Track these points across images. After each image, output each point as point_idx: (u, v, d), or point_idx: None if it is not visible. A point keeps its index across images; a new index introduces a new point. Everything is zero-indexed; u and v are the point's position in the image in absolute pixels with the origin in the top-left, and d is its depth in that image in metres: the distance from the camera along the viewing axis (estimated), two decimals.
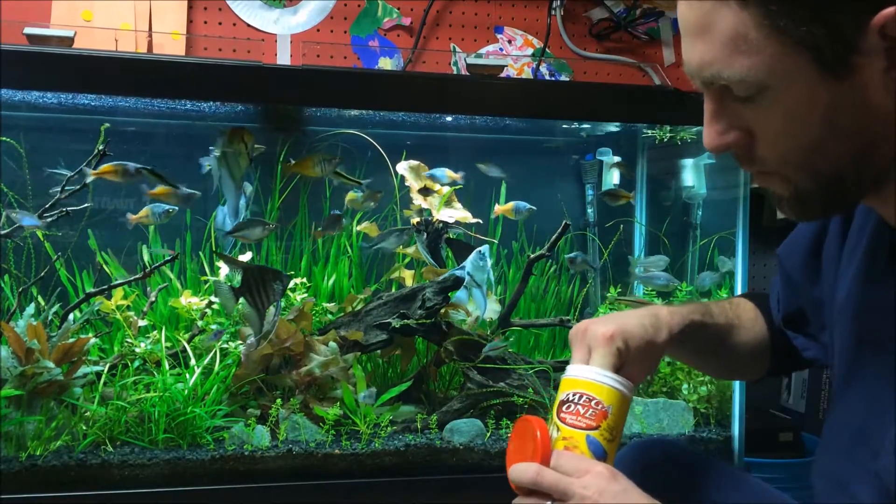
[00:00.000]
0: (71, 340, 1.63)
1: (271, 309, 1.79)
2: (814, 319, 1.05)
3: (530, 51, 2.41)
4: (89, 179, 1.66)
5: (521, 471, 0.87)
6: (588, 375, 0.91)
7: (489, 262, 1.78)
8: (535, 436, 0.87)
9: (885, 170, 0.79)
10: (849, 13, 0.72)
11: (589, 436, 0.88)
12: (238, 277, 1.64)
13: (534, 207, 1.97)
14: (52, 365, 1.56)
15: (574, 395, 0.90)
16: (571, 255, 2.04)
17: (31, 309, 1.68)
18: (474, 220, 1.92)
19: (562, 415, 0.90)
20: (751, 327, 1.12)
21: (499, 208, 1.99)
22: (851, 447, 0.88)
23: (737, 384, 1.90)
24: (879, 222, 0.87)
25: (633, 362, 0.95)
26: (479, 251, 1.77)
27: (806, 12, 0.72)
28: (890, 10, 0.70)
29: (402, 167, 1.88)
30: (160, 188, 1.69)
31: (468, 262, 1.76)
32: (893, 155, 0.78)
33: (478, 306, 1.81)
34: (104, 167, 1.66)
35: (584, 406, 0.89)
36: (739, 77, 0.76)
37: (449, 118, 1.92)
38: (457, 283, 1.83)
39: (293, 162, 1.76)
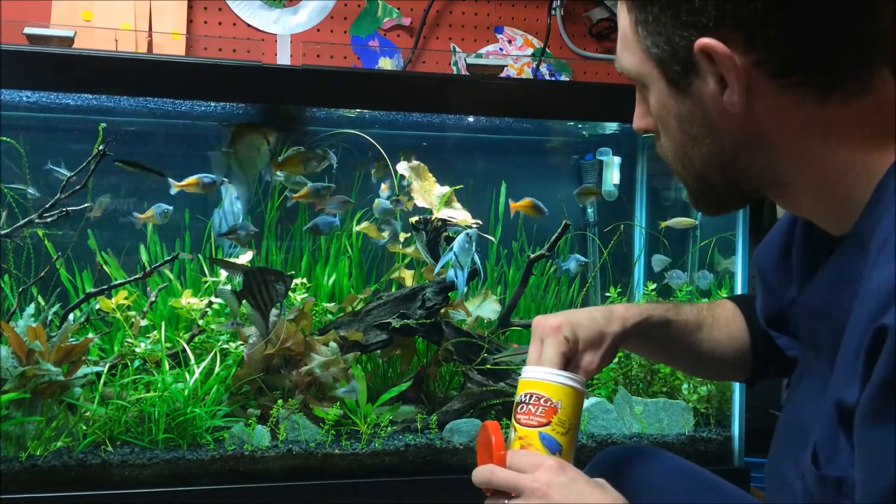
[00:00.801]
0: (72, 341, 1.63)
1: (274, 310, 1.80)
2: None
3: (530, 51, 2.41)
4: (173, 191, 1.71)
5: (478, 473, 0.93)
6: (535, 375, 0.96)
7: (474, 246, 1.78)
8: (490, 439, 0.93)
9: (760, 176, 0.83)
10: (684, 35, 0.76)
11: (541, 432, 0.93)
12: (238, 279, 1.64)
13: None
14: (53, 368, 1.56)
15: (525, 395, 0.95)
16: (564, 267, 2.04)
17: (31, 309, 1.68)
18: (474, 221, 1.92)
19: (517, 416, 0.95)
20: (725, 326, 1.13)
21: (514, 204, 1.97)
22: (792, 446, 0.89)
23: (737, 384, 1.90)
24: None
25: (586, 351, 1.00)
26: (467, 234, 1.77)
27: (653, 27, 0.79)
28: (706, 39, 0.74)
29: (403, 167, 1.88)
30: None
31: (455, 243, 1.77)
32: (766, 163, 0.81)
33: (458, 288, 1.80)
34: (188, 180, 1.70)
35: (535, 405, 0.94)
36: (626, 71, 0.85)
37: (450, 118, 1.91)
38: (479, 273, 1.83)
39: (279, 159, 1.75)
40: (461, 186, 1.92)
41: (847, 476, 0.74)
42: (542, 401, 0.94)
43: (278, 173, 1.77)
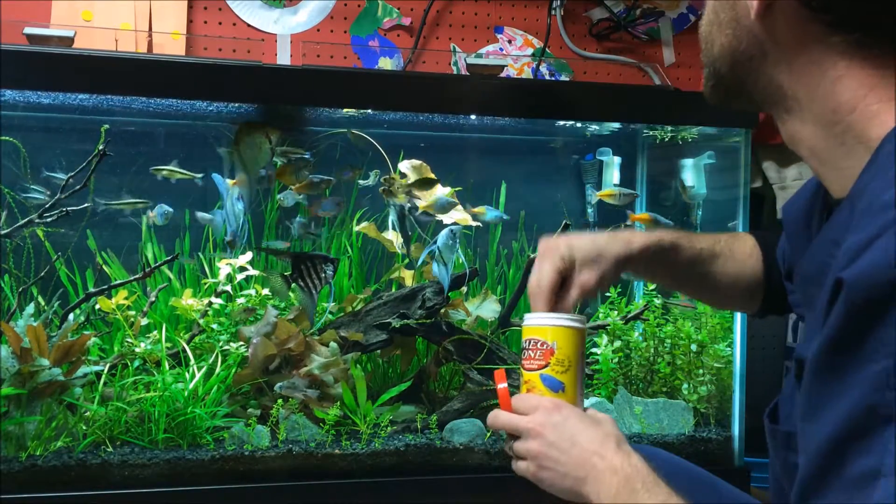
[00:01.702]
0: (71, 339, 1.63)
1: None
2: None
3: (530, 51, 2.41)
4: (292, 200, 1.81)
5: (488, 419, 1.00)
6: (531, 322, 1.02)
7: (458, 243, 1.78)
8: (497, 387, 1.01)
9: (767, 90, 0.84)
10: None
11: (542, 374, 0.99)
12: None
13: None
14: (46, 363, 1.56)
15: (526, 342, 1.01)
16: None
17: (30, 308, 1.68)
18: (474, 223, 1.92)
19: (522, 362, 1.02)
20: (742, 261, 1.15)
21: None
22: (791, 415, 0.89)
23: (737, 384, 1.90)
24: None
25: (583, 270, 1.05)
26: (451, 230, 1.77)
27: None
28: None
29: (405, 166, 1.87)
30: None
31: (439, 238, 1.77)
32: (774, 79, 0.82)
33: (442, 284, 1.80)
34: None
35: (533, 349, 1.00)
36: None
37: (450, 118, 1.91)
38: (456, 281, 1.83)
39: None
40: (460, 189, 1.92)
41: (796, 431, 0.75)
42: (539, 344, 0.99)
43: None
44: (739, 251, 1.16)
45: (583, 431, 0.91)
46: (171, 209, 1.81)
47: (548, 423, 0.93)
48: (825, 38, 0.77)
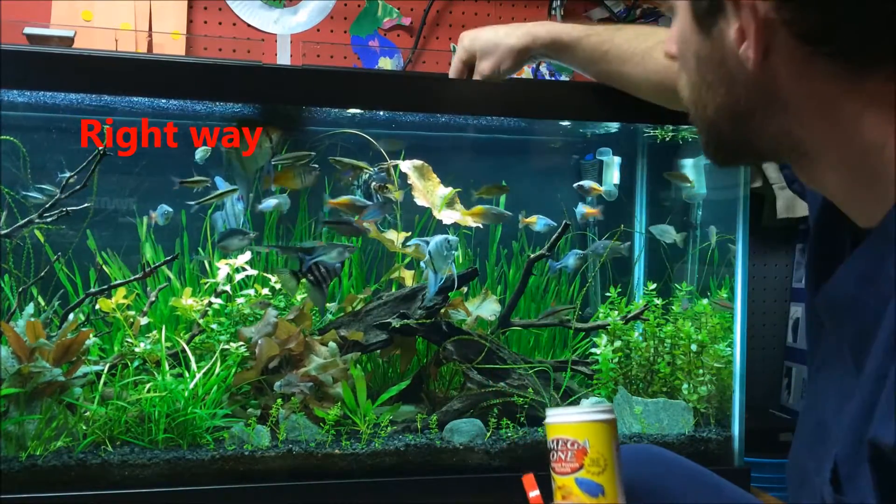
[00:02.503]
0: (70, 337, 1.63)
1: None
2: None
3: None
4: (327, 208, 1.83)
5: None
6: (557, 419, 0.92)
7: (454, 253, 1.76)
8: (529, 496, 0.93)
9: (777, 141, 0.78)
10: None
11: (577, 478, 0.89)
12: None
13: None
14: (47, 364, 1.56)
15: (554, 442, 0.92)
16: (559, 265, 2.02)
17: (30, 308, 1.68)
18: (474, 225, 1.91)
19: (552, 465, 0.92)
20: (654, 69, 1.33)
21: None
22: (812, 441, 0.87)
23: (737, 384, 1.90)
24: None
25: (482, 60, 1.35)
26: (447, 239, 1.75)
27: None
28: None
29: (406, 166, 1.87)
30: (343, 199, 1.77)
31: (432, 244, 1.75)
32: (784, 129, 0.76)
33: (428, 289, 1.80)
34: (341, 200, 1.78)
35: (564, 451, 0.90)
36: None
37: (450, 118, 1.91)
38: (454, 283, 1.83)
39: (274, 174, 1.76)
40: (459, 190, 1.92)
41: None
42: (569, 444, 0.90)
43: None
44: (652, 61, 1.30)
45: None
46: (171, 209, 1.81)
47: None
48: (831, 74, 0.71)
